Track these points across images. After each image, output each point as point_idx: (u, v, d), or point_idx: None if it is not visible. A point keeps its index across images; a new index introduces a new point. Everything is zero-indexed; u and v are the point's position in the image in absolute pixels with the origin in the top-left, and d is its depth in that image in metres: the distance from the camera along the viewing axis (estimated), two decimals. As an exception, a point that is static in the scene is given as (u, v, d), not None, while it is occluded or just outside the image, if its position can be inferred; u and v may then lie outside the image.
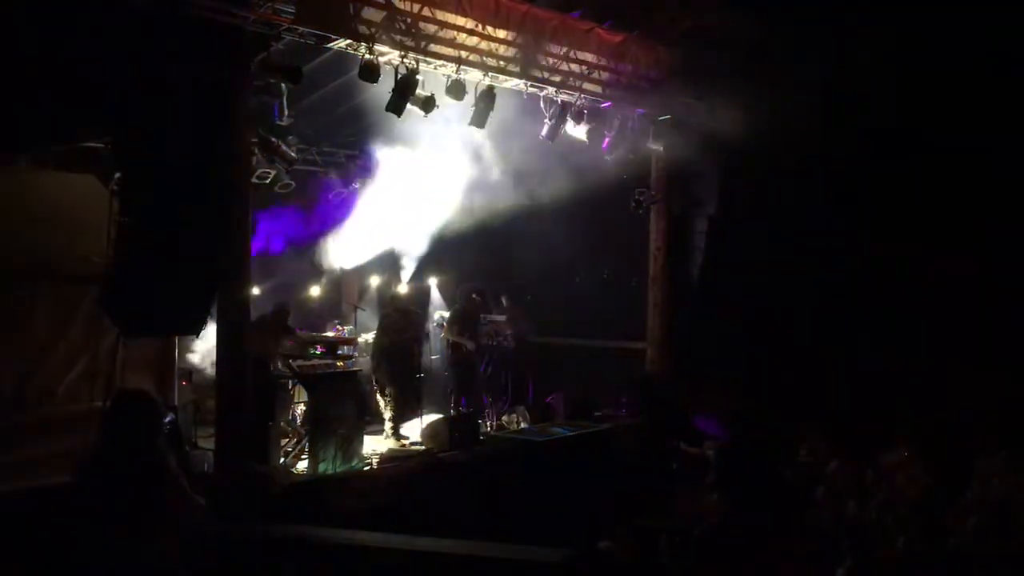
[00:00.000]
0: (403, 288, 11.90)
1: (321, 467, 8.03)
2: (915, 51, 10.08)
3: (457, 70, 8.65)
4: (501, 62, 9.02)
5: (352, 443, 8.37)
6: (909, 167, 10.42)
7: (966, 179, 10.21)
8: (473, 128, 9.17)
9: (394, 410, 9.84)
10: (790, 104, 10.23)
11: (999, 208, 10.09)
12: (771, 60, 10.39)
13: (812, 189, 11.18)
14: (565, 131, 9.98)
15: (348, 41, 7.91)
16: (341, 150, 12.33)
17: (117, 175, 7.14)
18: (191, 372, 9.29)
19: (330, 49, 8.17)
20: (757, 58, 10.50)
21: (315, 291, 12.66)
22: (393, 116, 8.42)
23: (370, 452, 8.85)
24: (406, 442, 9.71)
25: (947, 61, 9.95)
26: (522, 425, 10.68)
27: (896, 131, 10.45)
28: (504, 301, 11.86)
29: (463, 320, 10.88)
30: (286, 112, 8.14)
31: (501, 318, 11.60)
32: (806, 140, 10.59)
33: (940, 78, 10.03)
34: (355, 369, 9.57)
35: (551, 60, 9.55)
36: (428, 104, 8.55)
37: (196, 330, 7.08)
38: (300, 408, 9.31)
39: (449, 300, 12.58)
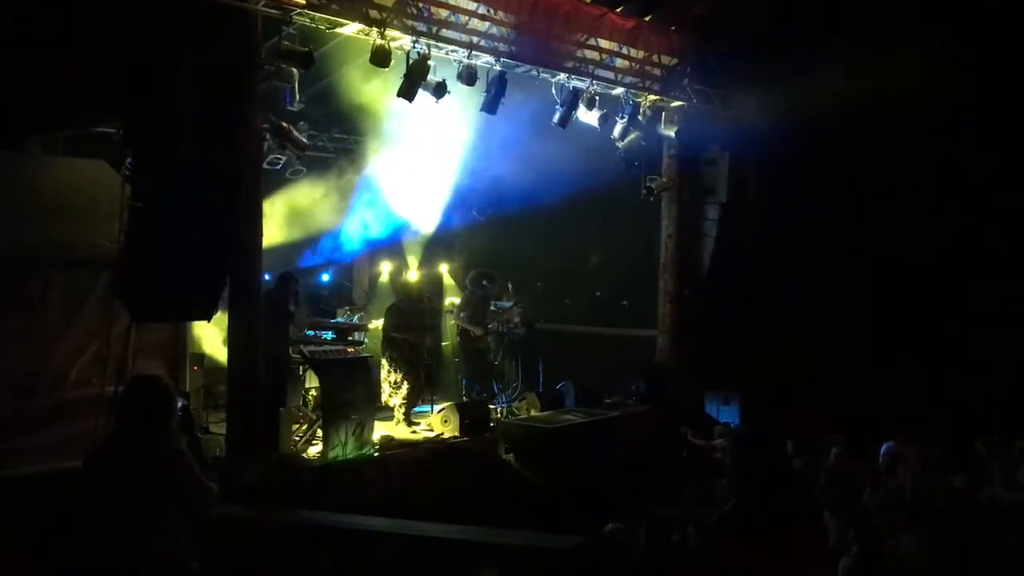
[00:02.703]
0: (413, 275, 11.88)
1: (332, 453, 8.05)
2: (927, 39, 10.02)
3: (469, 55, 8.61)
4: (513, 47, 8.97)
5: (363, 429, 8.38)
6: (920, 158, 10.39)
7: (971, 170, 10.19)
8: (484, 113, 9.14)
9: (404, 397, 9.84)
10: (802, 90, 10.18)
11: (1001, 201, 10.10)
12: (783, 46, 10.33)
13: (823, 176, 11.14)
14: (577, 117, 9.93)
15: (360, 26, 7.88)
16: (352, 136, 12.31)
17: (128, 160, 7.14)
18: (202, 357, 9.31)
19: (341, 34, 8.15)
20: (769, 44, 10.44)
21: (326, 277, 12.68)
22: (404, 102, 8.39)
23: (380, 438, 8.86)
24: (417, 428, 9.72)
25: (958, 53, 9.90)
26: (532, 412, 10.67)
27: (908, 120, 10.41)
28: (510, 288, 11.85)
29: (473, 307, 10.87)
30: (297, 97, 8.12)
31: (509, 304, 11.59)
32: (817, 127, 10.54)
33: (953, 67, 9.99)
34: (366, 355, 9.58)
35: (563, 46, 9.50)
36: (440, 90, 8.52)
37: (207, 316, 7.08)
38: (311, 394, 9.33)
39: (460, 286, 12.57)
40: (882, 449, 8.07)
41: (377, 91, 9.81)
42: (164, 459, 4.02)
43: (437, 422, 9.44)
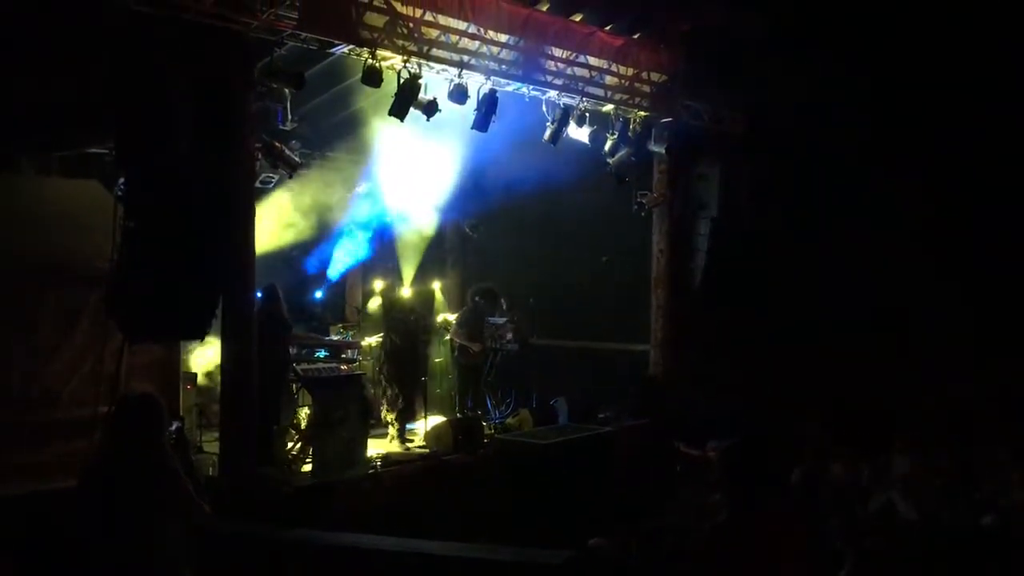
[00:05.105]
0: (406, 291, 11.90)
1: (325, 470, 8.05)
2: (916, 50, 10.12)
3: (459, 74, 8.67)
4: (503, 66, 9.04)
5: (356, 446, 8.38)
6: (909, 165, 10.45)
7: (962, 175, 10.25)
8: (475, 131, 9.19)
9: (398, 413, 9.85)
10: (792, 105, 10.26)
11: (995, 201, 10.15)
12: (772, 61, 10.41)
13: (813, 188, 11.21)
14: (567, 134, 10.00)
15: (351, 46, 7.94)
16: (344, 154, 12.34)
17: (121, 180, 7.18)
18: (195, 376, 9.31)
19: (333, 54, 8.20)
20: (759, 59, 10.52)
21: (319, 295, 12.67)
22: (395, 119, 8.44)
23: (374, 455, 8.86)
24: (410, 445, 9.72)
25: (948, 61, 9.99)
26: (525, 428, 10.67)
27: (897, 130, 10.49)
28: (504, 304, 11.88)
29: (470, 323, 10.89)
30: (289, 117, 8.17)
31: (502, 320, 11.62)
32: (807, 140, 10.62)
33: (942, 78, 10.07)
34: (359, 372, 9.58)
35: (553, 64, 9.58)
36: (431, 108, 8.57)
37: (200, 335, 7.10)
38: (304, 411, 9.32)
39: (453, 303, 12.59)
40: (878, 460, 8.12)
41: (369, 109, 9.89)
42: (157, 477, 4.04)
43: (431, 438, 9.45)
